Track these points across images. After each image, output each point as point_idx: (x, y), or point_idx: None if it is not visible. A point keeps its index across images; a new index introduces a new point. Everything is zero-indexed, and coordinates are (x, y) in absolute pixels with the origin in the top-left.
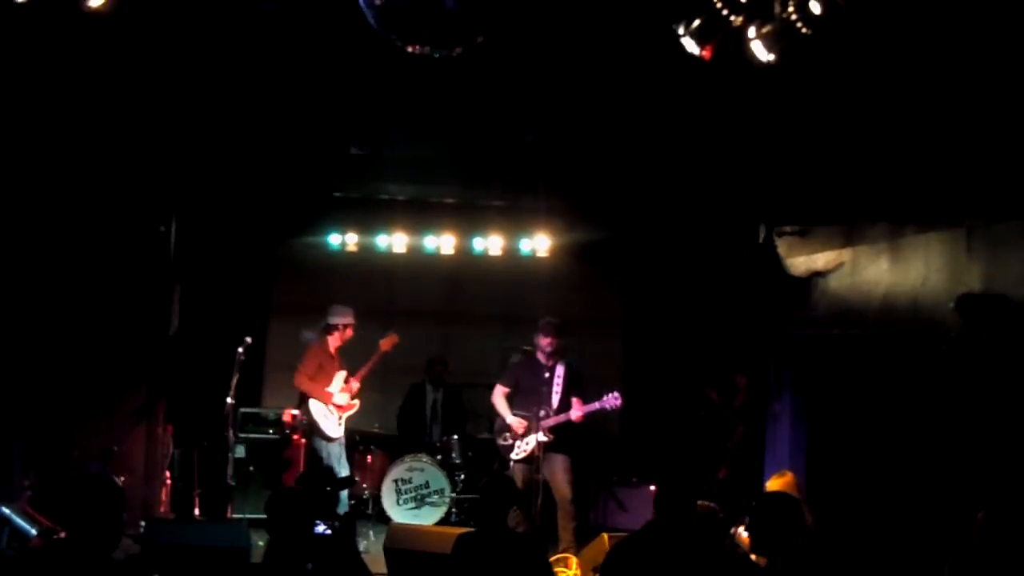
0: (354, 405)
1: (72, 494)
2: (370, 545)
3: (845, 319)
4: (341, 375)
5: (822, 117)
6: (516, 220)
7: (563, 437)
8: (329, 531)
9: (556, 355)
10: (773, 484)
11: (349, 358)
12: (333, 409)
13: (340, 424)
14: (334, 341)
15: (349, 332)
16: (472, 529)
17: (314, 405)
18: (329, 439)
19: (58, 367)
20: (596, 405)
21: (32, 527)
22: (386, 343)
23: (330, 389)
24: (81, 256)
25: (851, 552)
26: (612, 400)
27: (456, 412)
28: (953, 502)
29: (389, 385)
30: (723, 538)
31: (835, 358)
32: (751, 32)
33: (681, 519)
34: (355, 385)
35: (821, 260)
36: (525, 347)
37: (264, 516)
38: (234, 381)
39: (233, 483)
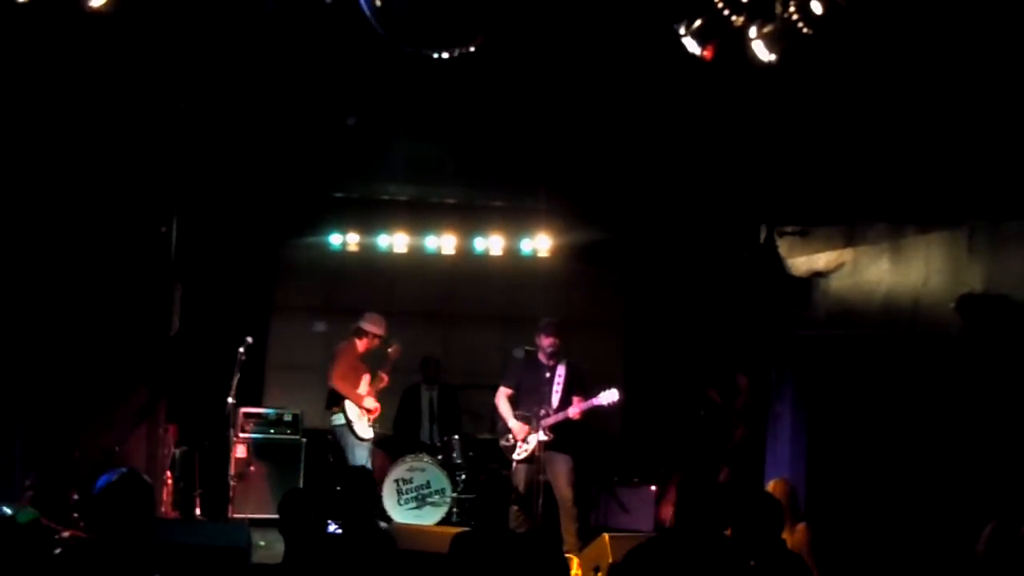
0: (379, 408)
1: (107, 495)
2: None
3: (846, 319)
4: (366, 379)
5: (823, 117)
6: (517, 220)
7: (565, 437)
8: (340, 531)
9: (557, 355)
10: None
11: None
12: (363, 412)
13: (370, 427)
14: (361, 346)
15: (376, 342)
16: (469, 528)
17: (349, 406)
18: (362, 440)
19: (59, 367)
20: (594, 401)
21: None
22: (395, 352)
23: (359, 391)
24: (82, 257)
25: (852, 553)
26: (610, 396)
27: (452, 411)
28: (954, 502)
29: (390, 386)
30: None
31: (836, 358)
32: (752, 32)
33: (703, 527)
34: (383, 384)
35: (822, 260)
36: (527, 347)
37: (263, 516)
38: (235, 381)
39: (234, 483)
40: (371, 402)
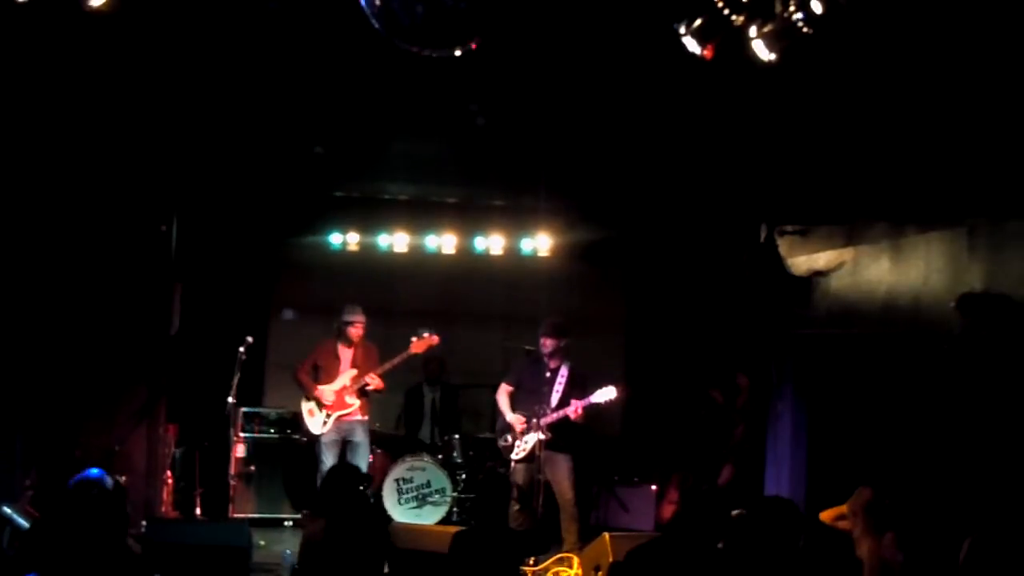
0: (349, 405)
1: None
2: None
3: (846, 319)
4: (348, 374)
5: (823, 116)
6: (517, 219)
7: (565, 437)
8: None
9: (559, 356)
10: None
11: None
12: (319, 406)
13: (326, 423)
14: (342, 339)
15: (354, 330)
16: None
17: (302, 401)
18: (311, 436)
19: (60, 366)
20: (591, 399)
21: None
22: (419, 345)
23: (321, 386)
24: (83, 256)
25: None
26: (607, 394)
27: (453, 411)
28: (955, 502)
29: (391, 385)
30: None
31: (836, 358)
32: (752, 31)
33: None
34: (373, 382)
35: (822, 259)
36: (528, 347)
37: (264, 515)
38: (235, 380)
39: (234, 483)
40: (328, 395)
